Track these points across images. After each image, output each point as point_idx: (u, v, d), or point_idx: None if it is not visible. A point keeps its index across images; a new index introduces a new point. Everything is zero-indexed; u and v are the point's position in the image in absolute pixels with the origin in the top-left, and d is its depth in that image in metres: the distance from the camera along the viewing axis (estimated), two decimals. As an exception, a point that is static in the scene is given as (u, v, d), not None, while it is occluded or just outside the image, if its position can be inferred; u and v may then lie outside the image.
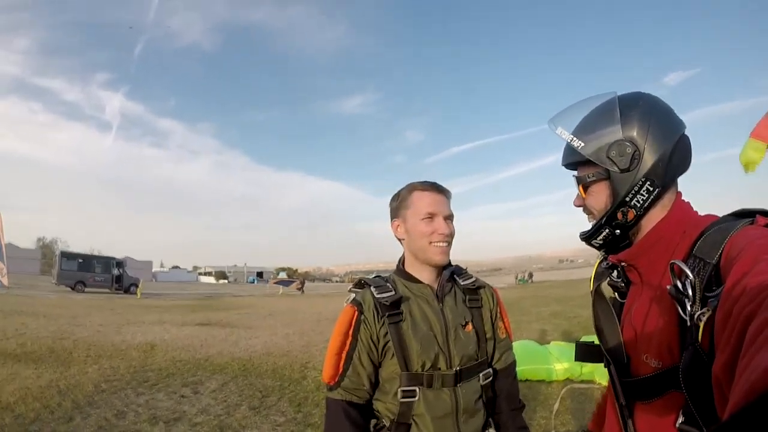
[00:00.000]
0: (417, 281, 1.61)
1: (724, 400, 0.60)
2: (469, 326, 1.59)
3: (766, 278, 0.62)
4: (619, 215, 1.09)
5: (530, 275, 66.05)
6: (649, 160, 1.04)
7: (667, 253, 1.05)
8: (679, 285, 0.89)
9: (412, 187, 1.62)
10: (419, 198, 1.59)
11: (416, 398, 1.48)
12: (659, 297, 1.03)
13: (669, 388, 0.98)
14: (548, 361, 6.47)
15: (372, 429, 1.54)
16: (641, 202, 1.06)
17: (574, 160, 1.17)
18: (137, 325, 12.86)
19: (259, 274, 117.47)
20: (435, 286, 1.62)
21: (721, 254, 0.88)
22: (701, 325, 0.83)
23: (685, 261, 0.93)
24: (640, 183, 1.05)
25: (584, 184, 1.15)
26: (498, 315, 1.72)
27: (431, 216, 1.56)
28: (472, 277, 1.72)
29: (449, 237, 1.59)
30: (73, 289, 29.84)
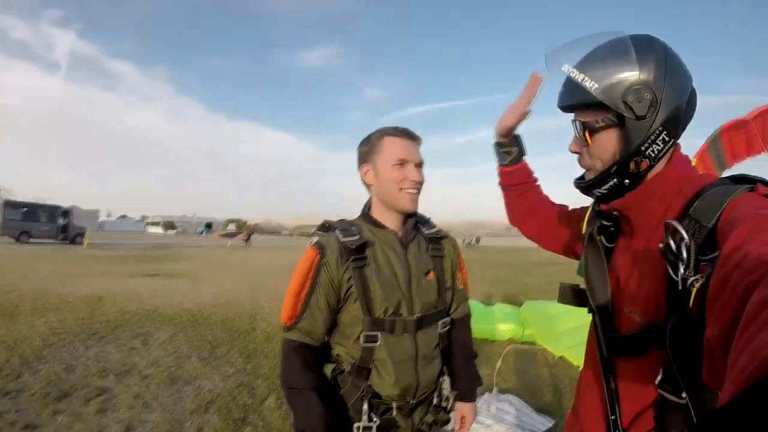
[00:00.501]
0: (382, 227, 1.62)
1: (714, 366, 0.62)
2: (431, 274, 1.64)
3: (766, 249, 0.61)
4: (632, 165, 1.02)
5: (477, 239, 67.69)
6: (666, 108, 0.97)
7: (661, 207, 1.03)
8: (672, 245, 0.86)
9: (383, 132, 1.60)
10: (390, 143, 1.57)
11: (378, 343, 1.51)
12: (649, 253, 1.02)
13: (651, 345, 0.99)
14: (492, 321, 6.81)
15: (331, 374, 1.58)
16: (656, 152, 1.00)
17: (580, 101, 1.06)
18: (84, 276, 12.66)
19: (208, 225, 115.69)
20: (400, 233, 1.64)
21: (718, 218, 0.85)
22: (693, 291, 0.81)
23: (679, 220, 0.90)
24: (657, 132, 0.98)
25: (591, 130, 1.06)
26: (458, 266, 1.78)
27: (402, 162, 1.56)
28: (435, 227, 1.76)
29: (419, 184, 1.59)
30: (17, 240, 28.75)
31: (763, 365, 0.40)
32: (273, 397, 4.30)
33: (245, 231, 52.86)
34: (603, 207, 1.15)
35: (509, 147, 1.51)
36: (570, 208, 1.51)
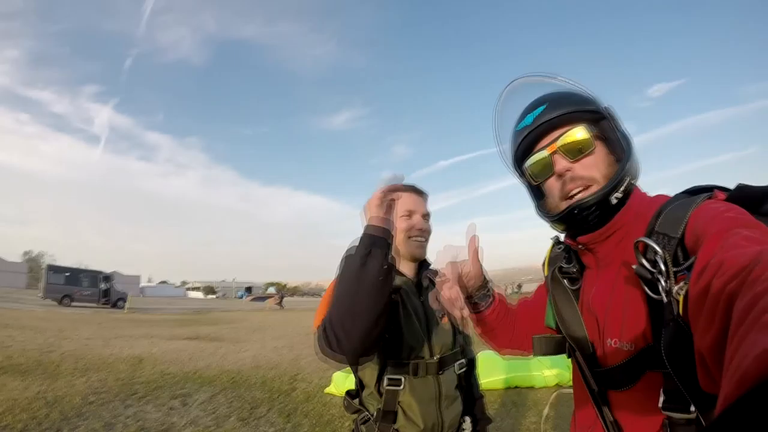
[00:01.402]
0: (401, 275, 1.69)
1: (709, 374, 0.62)
2: (445, 318, 1.67)
3: (741, 253, 0.61)
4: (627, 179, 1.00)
5: (519, 286, 66.35)
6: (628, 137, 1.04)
7: (626, 235, 1.01)
8: (646, 263, 0.87)
9: None
10: (399, 198, 1.64)
11: (401, 387, 1.53)
12: (623, 279, 1.00)
13: (645, 369, 0.95)
14: (537, 368, 6.61)
15: (359, 423, 1.59)
16: (635, 170, 1.02)
17: (579, 109, 1.05)
18: (125, 338, 12.72)
19: (248, 289, 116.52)
20: (414, 279, 1.73)
21: (685, 229, 0.86)
22: (680, 299, 0.79)
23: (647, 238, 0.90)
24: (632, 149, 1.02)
25: (595, 136, 1.04)
26: None
27: (409, 214, 1.69)
28: None
29: (425, 233, 1.73)
30: (59, 303, 29.45)
31: (752, 368, 0.40)
32: (315, 457, 4.08)
33: (277, 293, 52.33)
34: (567, 241, 1.15)
35: (484, 289, 1.32)
36: (531, 295, 1.41)
